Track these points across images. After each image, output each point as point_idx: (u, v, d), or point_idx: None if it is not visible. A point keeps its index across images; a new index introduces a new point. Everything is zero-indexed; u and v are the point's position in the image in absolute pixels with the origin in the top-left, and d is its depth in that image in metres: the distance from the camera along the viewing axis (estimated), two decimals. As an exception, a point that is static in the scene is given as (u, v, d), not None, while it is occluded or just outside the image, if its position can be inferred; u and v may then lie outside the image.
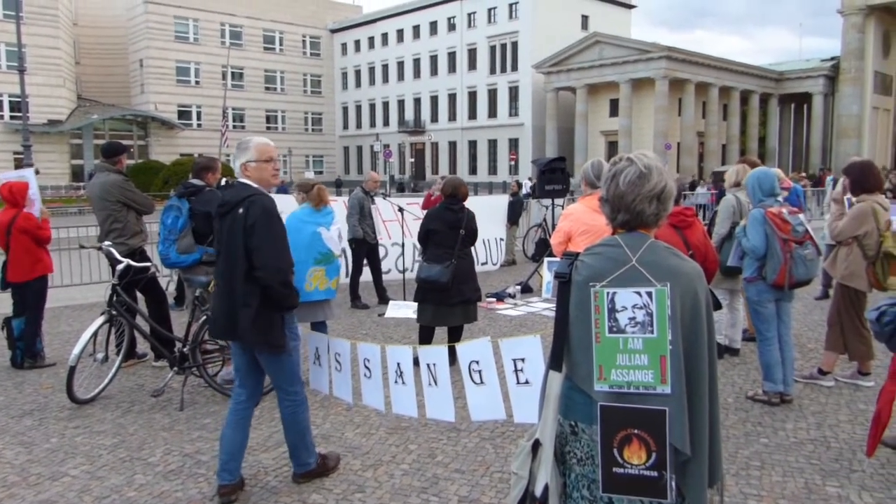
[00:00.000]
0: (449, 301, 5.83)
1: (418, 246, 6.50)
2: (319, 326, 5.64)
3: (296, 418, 3.73)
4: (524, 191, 18.07)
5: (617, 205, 2.02)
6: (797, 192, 9.38)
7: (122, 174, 6.20)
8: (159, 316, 6.02)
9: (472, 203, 10.85)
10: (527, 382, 2.80)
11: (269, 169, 3.62)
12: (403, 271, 9.62)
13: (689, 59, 47.61)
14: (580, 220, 4.13)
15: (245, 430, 3.73)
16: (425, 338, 6.10)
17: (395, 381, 3.40)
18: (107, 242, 5.78)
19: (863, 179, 5.31)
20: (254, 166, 3.56)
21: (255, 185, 3.55)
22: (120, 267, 5.47)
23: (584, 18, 56.38)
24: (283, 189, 34.74)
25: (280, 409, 3.78)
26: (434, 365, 3.21)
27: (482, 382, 3.02)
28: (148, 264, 5.97)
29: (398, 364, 3.40)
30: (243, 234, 3.42)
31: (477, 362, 3.02)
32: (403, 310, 8.48)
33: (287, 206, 10.08)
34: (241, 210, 3.44)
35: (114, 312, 5.43)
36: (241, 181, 3.58)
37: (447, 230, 5.89)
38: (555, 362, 2.04)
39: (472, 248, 5.31)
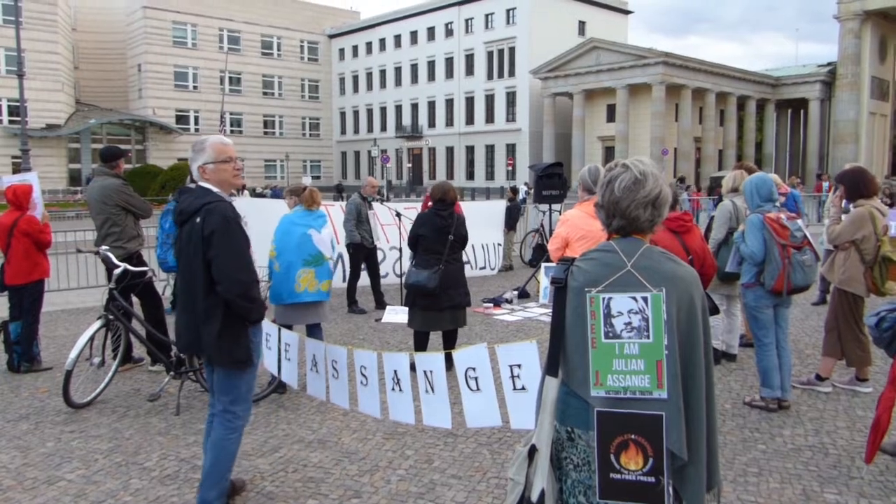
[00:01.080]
0: (438, 306, 5.84)
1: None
2: (314, 329, 5.63)
3: (225, 443, 3.39)
4: (520, 196, 18.08)
5: (612, 210, 2.03)
6: (794, 197, 9.40)
7: (121, 178, 6.21)
8: (155, 320, 6.01)
9: (469, 208, 10.98)
10: (523, 388, 2.79)
11: (230, 170, 3.35)
12: (401, 276, 9.62)
13: (685, 65, 47.74)
14: (577, 226, 4.14)
15: None
16: (420, 342, 6.09)
17: (392, 389, 3.38)
18: (104, 247, 5.77)
19: (859, 185, 5.32)
20: (212, 168, 3.30)
21: (214, 190, 3.30)
22: (117, 271, 5.46)
23: (581, 24, 56.54)
24: (278, 193, 34.74)
25: (213, 430, 3.43)
26: (431, 372, 3.20)
27: (478, 389, 3.01)
28: (145, 268, 5.97)
29: (395, 371, 3.38)
30: (202, 244, 3.19)
31: (473, 369, 3.01)
32: (401, 315, 8.46)
33: (277, 211, 10.11)
34: (198, 219, 3.20)
35: (110, 317, 5.42)
36: (200, 185, 3.32)
37: (436, 235, 5.90)
38: (551, 368, 2.03)
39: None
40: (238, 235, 3.26)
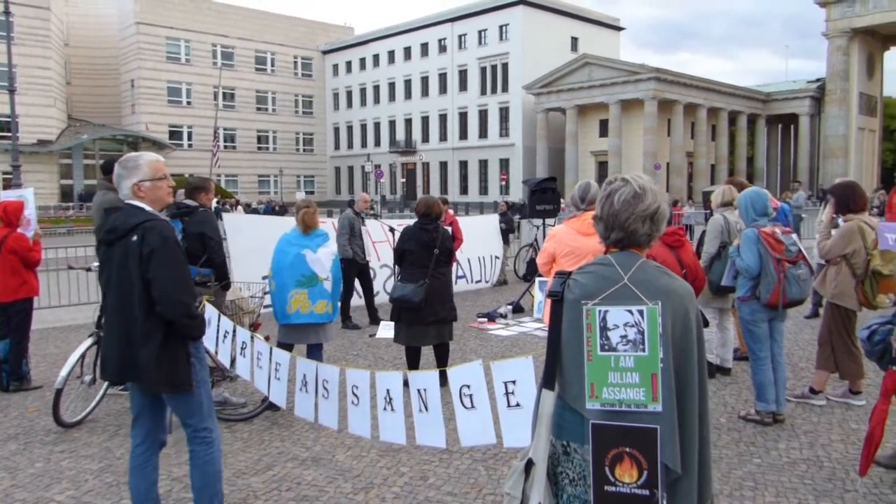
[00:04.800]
0: (423, 320, 5.83)
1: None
2: (314, 350, 5.60)
3: (206, 458, 3.32)
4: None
5: (611, 223, 2.04)
6: (785, 211, 9.46)
7: None
8: None
9: (463, 223, 11.00)
10: (518, 405, 2.77)
11: (164, 187, 3.27)
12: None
13: (677, 81, 48.18)
14: (564, 242, 4.17)
15: (150, 476, 3.32)
16: (412, 357, 6.08)
17: (384, 409, 3.35)
18: (95, 263, 5.74)
19: (848, 199, 5.36)
20: (148, 186, 3.21)
21: (147, 209, 3.20)
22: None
23: (574, 40, 57.03)
24: (269, 209, 34.58)
25: (190, 450, 3.37)
26: (425, 390, 3.18)
27: (473, 407, 2.98)
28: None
29: (387, 390, 3.35)
30: (139, 263, 3.08)
31: (468, 386, 2.98)
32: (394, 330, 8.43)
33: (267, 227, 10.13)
34: (134, 237, 3.08)
35: (101, 334, 5.37)
36: (130, 204, 3.21)
37: (421, 249, 5.90)
38: (547, 381, 2.03)
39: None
40: (178, 254, 3.19)
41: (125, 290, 3.13)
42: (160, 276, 3.07)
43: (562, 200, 11.57)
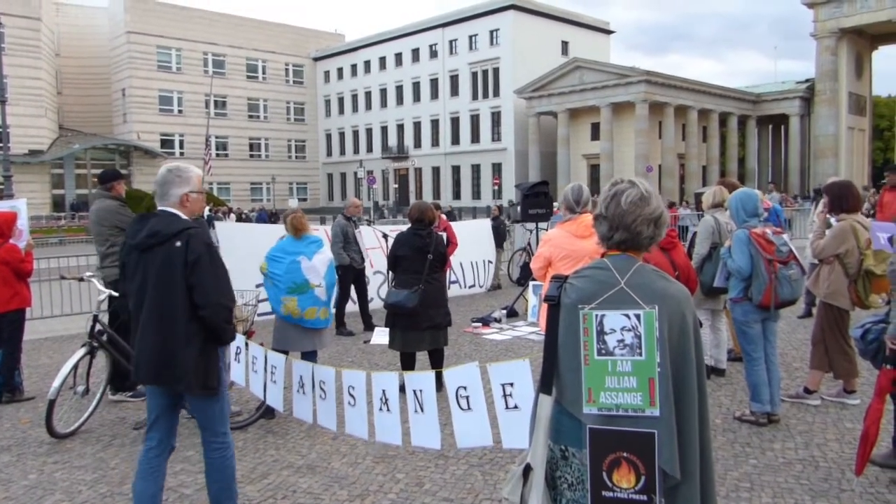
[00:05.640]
0: (418, 326, 5.83)
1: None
2: (309, 357, 5.59)
3: (224, 464, 3.43)
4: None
5: (616, 223, 2.03)
6: (776, 211, 9.50)
7: (119, 200, 6.16)
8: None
9: (456, 228, 10.99)
10: (516, 407, 2.77)
11: (202, 200, 3.48)
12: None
13: (667, 83, 48.35)
14: (560, 246, 4.15)
15: (158, 482, 3.37)
16: (407, 363, 6.06)
17: (380, 409, 3.35)
18: (88, 273, 5.72)
19: (842, 199, 5.38)
20: (195, 197, 3.38)
21: (183, 217, 3.32)
22: (100, 297, 5.41)
23: (564, 44, 57.20)
24: (263, 217, 34.34)
25: (205, 456, 3.45)
26: (420, 391, 3.18)
27: (469, 408, 2.99)
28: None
29: (383, 391, 3.35)
30: (183, 268, 3.18)
31: (464, 388, 2.99)
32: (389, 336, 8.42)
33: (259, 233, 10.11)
34: (178, 243, 3.19)
35: (95, 344, 5.35)
36: (166, 211, 3.32)
37: (415, 255, 5.91)
38: (545, 385, 2.03)
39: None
40: (220, 261, 3.33)
41: (165, 294, 3.21)
42: (206, 282, 3.19)
43: (555, 204, 11.56)
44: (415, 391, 3.25)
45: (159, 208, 3.36)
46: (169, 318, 3.22)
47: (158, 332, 3.24)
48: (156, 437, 3.38)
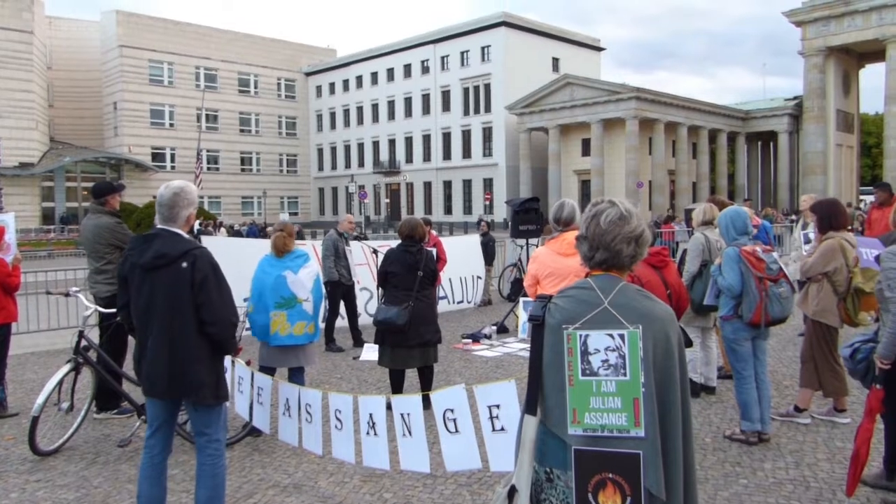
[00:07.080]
0: (407, 343, 5.79)
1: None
2: (296, 373, 5.54)
3: (216, 470, 3.55)
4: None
5: (596, 243, 2.03)
6: (765, 228, 9.54)
7: (116, 215, 6.08)
8: (117, 364, 5.80)
9: (446, 244, 10.99)
10: (502, 429, 2.74)
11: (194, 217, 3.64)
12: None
13: (657, 100, 48.73)
14: (545, 264, 4.21)
15: (163, 484, 3.55)
16: (396, 380, 6.02)
17: (367, 433, 3.31)
18: (74, 288, 5.67)
19: (830, 217, 5.40)
20: (193, 215, 3.57)
21: (185, 235, 3.49)
22: (86, 313, 5.36)
23: (555, 61, 57.64)
24: (254, 231, 34.18)
25: (199, 462, 3.56)
26: (408, 415, 3.14)
27: (457, 431, 2.96)
28: (114, 310, 5.83)
29: (370, 415, 3.32)
30: (190, 288, 3.35)
31: (452, 410, 2.96)
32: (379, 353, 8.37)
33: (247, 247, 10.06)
34: (184, 264, 3.35)
35: (80, 360, 5.28)
36: (168, 230, 3.46)
37: (405, 272, 5.88)
38: (530, 406, 2.01)
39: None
40: (225, 280, 3.49)
41: (175, 314, 3.37)
42: (213, 300, 3.38)
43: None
44: (402, 415, 3.22)
45: (161, 227, 3.48)
46: (180, 336, 3.38)
47: (170, 349, 3.39)
48: (158, 444, 3.56)
